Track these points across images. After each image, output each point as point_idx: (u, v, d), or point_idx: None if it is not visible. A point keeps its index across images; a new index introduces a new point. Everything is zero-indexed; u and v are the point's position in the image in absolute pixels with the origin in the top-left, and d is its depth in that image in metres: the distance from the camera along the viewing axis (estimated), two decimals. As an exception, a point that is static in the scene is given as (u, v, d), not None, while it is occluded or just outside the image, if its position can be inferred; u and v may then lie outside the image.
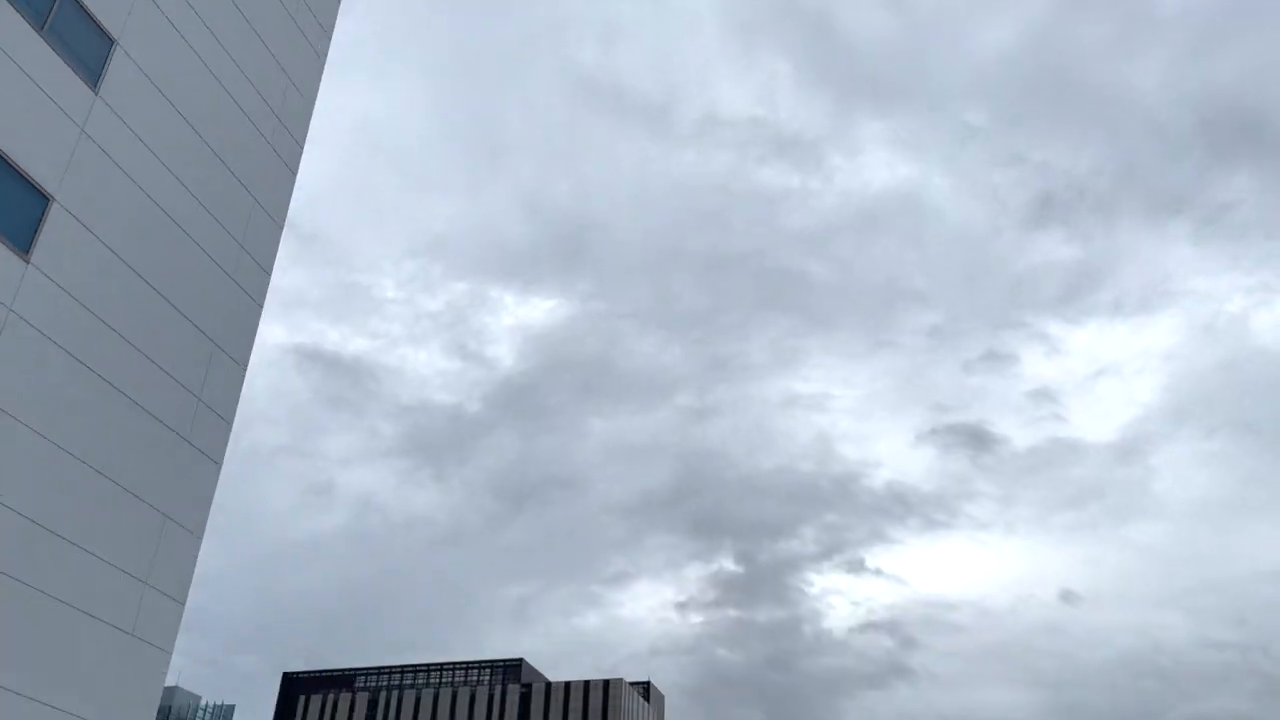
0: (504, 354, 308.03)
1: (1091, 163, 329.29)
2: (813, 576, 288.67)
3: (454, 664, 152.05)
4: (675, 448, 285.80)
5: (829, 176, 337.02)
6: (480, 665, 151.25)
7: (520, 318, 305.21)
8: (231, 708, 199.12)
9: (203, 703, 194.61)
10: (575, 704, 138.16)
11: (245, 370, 13.43)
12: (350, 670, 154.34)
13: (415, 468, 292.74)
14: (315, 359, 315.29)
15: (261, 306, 16.11)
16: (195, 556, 12.33)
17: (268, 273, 16.32)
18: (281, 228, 17.13)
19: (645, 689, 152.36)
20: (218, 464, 13.30)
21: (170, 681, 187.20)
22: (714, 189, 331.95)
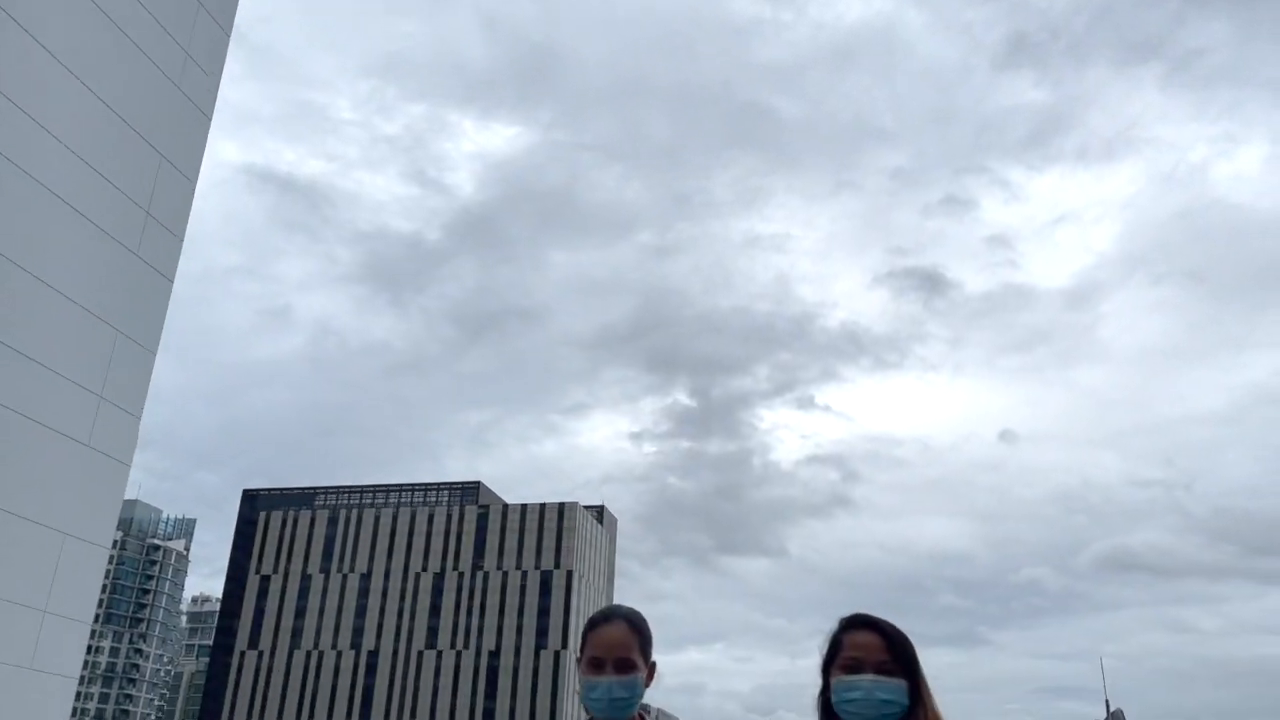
0: (463, 181, 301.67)
1: (1069, 1, 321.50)
2: (763, 412, 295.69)
3: (413, 485, 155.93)
4: (635, 284, 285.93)
5: (802, 8, 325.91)
6: (439, 487, 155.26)
7: (480, 145, 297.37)
8: (193, 522, 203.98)
9: (164, 516, 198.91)
10: (531, 525, 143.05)
11: (194, 184, 13.01)
12: (311, 489, 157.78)
13: (373, 294, 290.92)
14: (269, 180, 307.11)
15: (210, 118, 15.49)
16: (150, 371, 12.25)
17: (216, 79, 15.63)
18: (229, 34, 16.29)
19: (599, 513, 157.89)
20: (169, 280, 13.05)
21: (131, 495, 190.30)
22: (684, 15, 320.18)
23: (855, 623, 2.48)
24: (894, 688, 2.36)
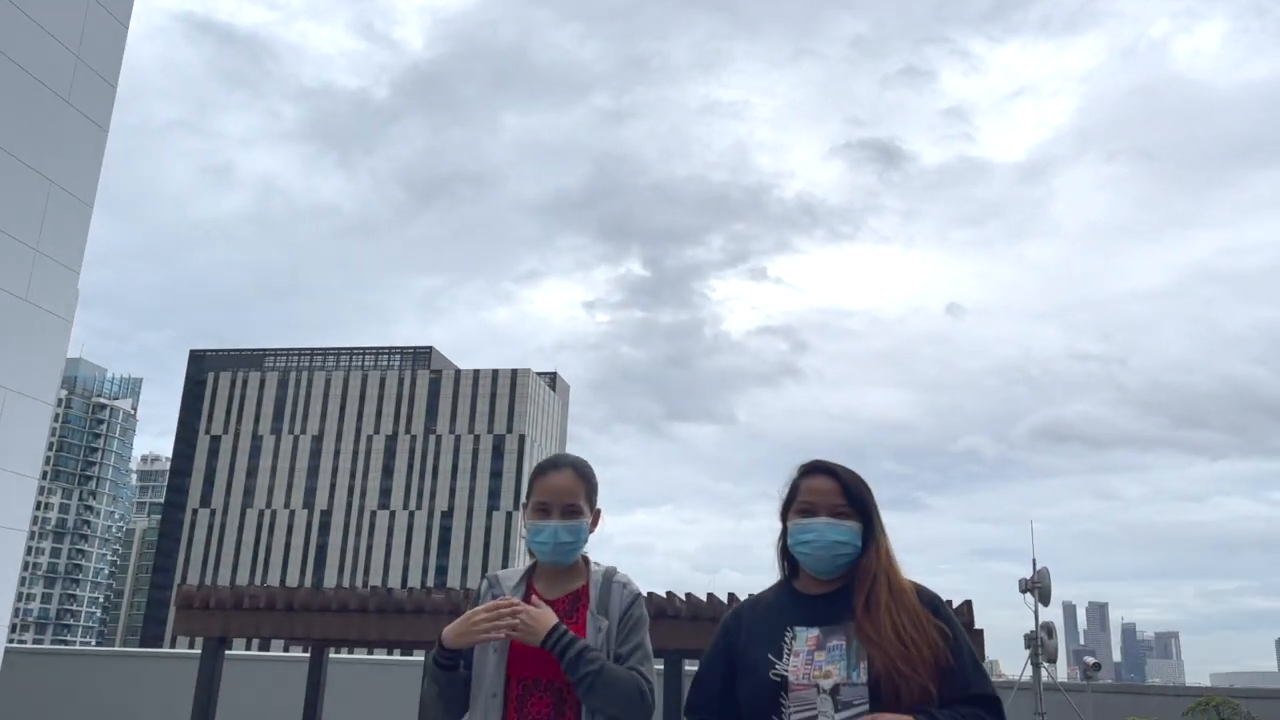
0: (413, 36, 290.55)
1: None
2: (716, 283, 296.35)
3: (364, 349, 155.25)
4: (589, 149, 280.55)
5: None
6: (390, 351, 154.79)
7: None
8: (139, 381, 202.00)
9: (109, 375, 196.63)
10: (484, 391, 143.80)
11: (126, 27, 12.33)
12: (260, 350, 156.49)
13: (319, 154, 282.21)
14: (207, 29, 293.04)
15: (143, -44, 14.64)
16: (87, 225, 11.88)
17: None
18: None
19: (552, 379, 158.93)
20: (104, 129, 12.49)
21: (74, 354, 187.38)
22: None
23: (812, 469, 2.52)
24: (847, 530, 2.40)
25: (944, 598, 2.53)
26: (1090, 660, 18.92)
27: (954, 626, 2.34)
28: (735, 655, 2.41)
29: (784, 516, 2.51)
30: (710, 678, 2.46)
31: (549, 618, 2.58)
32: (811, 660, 2.28)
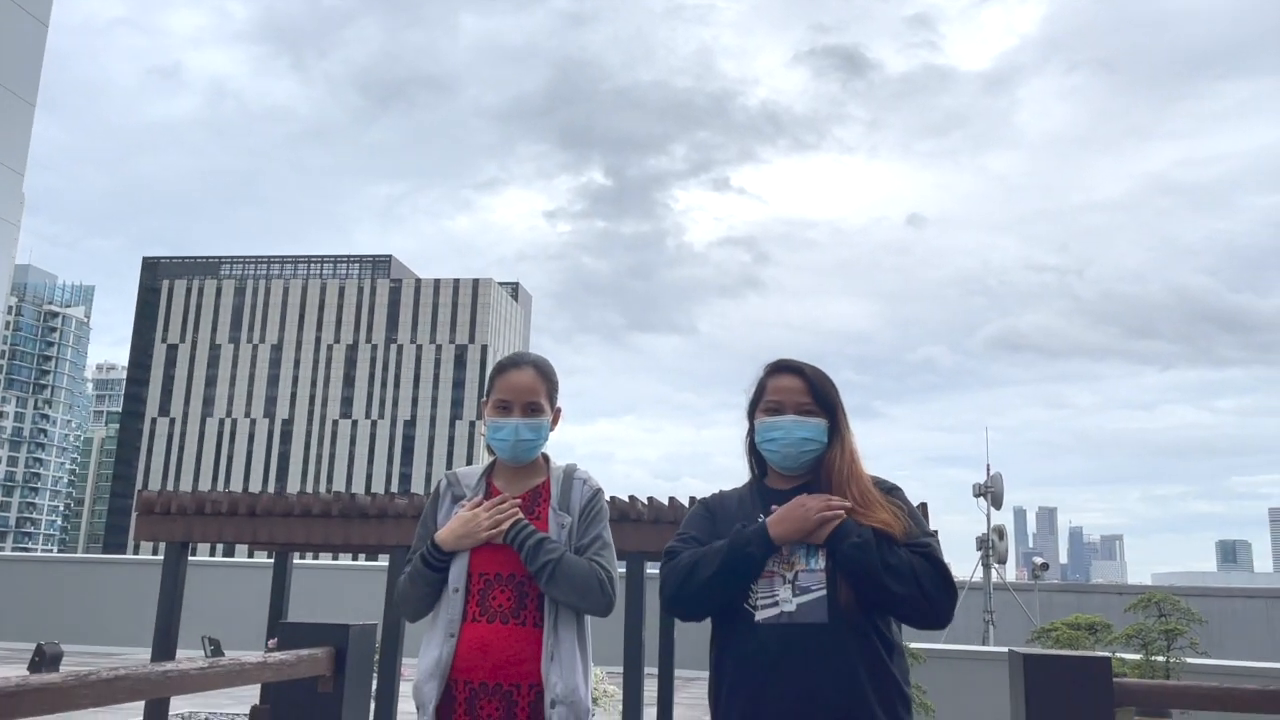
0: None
1: None
2: (679, 193, 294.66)
3: (322, 257, 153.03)
4: (551, 53, 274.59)
5: None
6: (349, 260, 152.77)
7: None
8: (91, 289, 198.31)
9: (60, 282, 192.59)
10: (445, 300, 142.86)
11: (64, -87, 11.78)
12: (215, 258, 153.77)
13: (272, 55, 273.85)
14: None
15: None
16: (30, 125, 11.48)
17: None
18: None
19: (514, 290, 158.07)
20: (43, 24, 12.00)
21: (21, 260, 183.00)
22: None
23: (779, 368, 2.56)
24: (813, 427, 2.47)
25: None
26: (1039, 561, 19.56)
27: (907, 505, 2.47)
28: (711, 527, 2.49)
29: (751, 415, 2.56)
30: (695, 528, 2.52)
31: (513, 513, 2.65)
32: (778, 552, 2.37)
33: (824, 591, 2.32)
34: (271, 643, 7.47)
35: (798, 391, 2.49)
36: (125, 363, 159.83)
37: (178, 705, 9.26)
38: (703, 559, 2.39)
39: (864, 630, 2.31)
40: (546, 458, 2.84)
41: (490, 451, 2.80)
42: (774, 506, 2.43)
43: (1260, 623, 16.12)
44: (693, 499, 7.47)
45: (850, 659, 2.27)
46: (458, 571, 2.64)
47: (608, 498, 2.80)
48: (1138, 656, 8.07)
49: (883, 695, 2.29)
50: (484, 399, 2.81)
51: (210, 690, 2.07)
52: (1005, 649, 3.18)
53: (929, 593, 2.31)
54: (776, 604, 2.33)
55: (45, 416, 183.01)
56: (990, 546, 17.58)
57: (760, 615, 2.33)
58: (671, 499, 7.20)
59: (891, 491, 2.49)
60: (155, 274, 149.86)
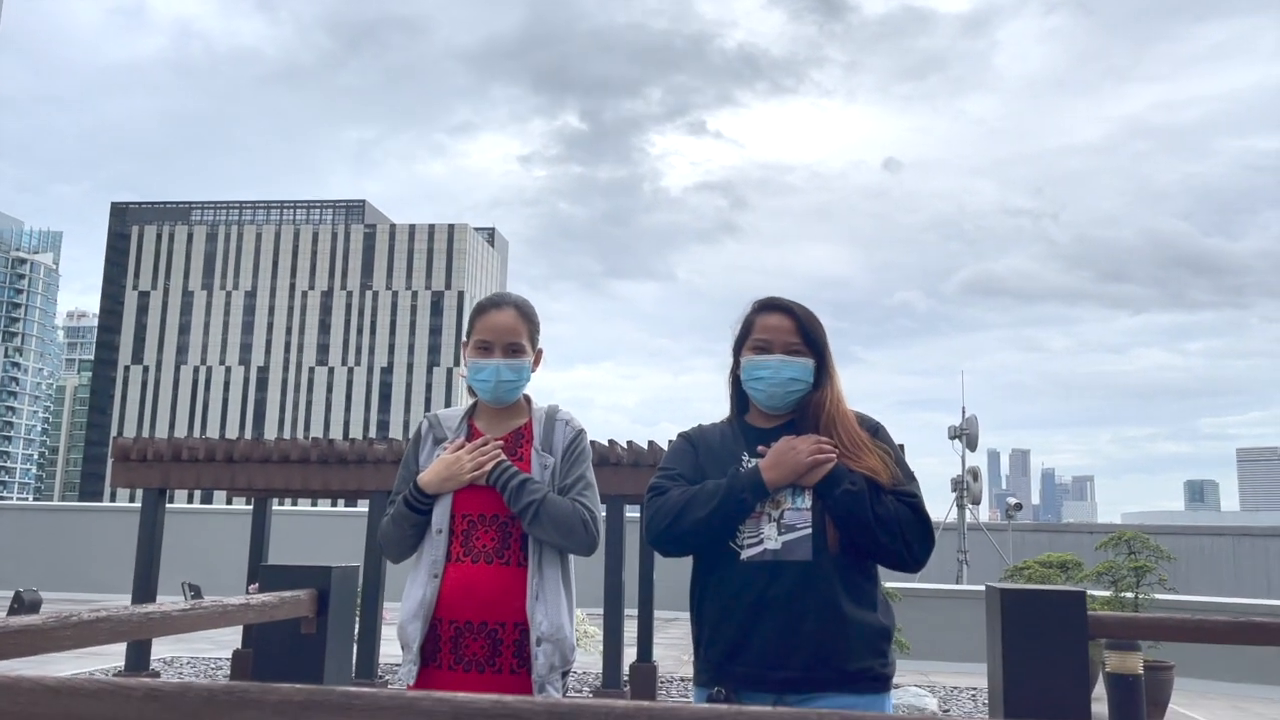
0: None
1: None
2: (655, 138, 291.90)
3: (295, 202, 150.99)
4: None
5: None
6: (322, 205, 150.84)
7: None
8: (59, 235, 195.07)
9: (26, 228, 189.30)
10: (420, 246, 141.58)
11: None
12: (186, 203, 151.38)
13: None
14: None
15: None
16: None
17: None
18: None
19: (490, 235, 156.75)
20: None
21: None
22: None
23: (767, 305, 2.54)
24: (800, 367, 2.46)
25: None
26: (1012, 501, 19.86)
27: (892, 447, 2.48)
28: (695, 470, 2.48)
29: (737, 352, 2.55)
30: (679, 464, 2.52)
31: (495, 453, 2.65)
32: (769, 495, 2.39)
33: (809, 530, 2.33)
34: (252, 587, 7.50)
35: (786, 331, 2.47)
36: (96, 310, 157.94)
37: (159, 650, 9.30)
38: (694, 500, 2.38)
39: (846, 568, 2.34)
40: (529, 399, 2.83)
41: (471, 393, 2.79)
42: (761, 448, 2.43)
43: (1226, 560, 16.49)
44: (671, 442, 7.49)
45: (835, 596, 2.30)
46: (441, 513, 2.65)
47: (589, 440, 2.80)
48: (1107, 593, 8.25)
49: (865, 630, 2.33)
50: (464, 340, 2.79)
51: (193, 632, 2.07)
52: (980, 587, 3.23)
53: (910, 544, 2.35)
54: (762, 542, 2.34)
55: (16, 365, 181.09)
56: (965, 488, 17.81)
57: (746, 554, 2.35)
58: (651, 442, 7.24)
59: (876, 432, 2.50)
60: (124, 220, 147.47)
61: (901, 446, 2.59)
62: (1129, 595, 8.05)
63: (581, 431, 2.77)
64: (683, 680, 8.68)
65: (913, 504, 2.38)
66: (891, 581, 9.93)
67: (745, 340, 2.52)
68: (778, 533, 2.34)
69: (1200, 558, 16.19)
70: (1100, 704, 6.48)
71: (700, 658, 2.42)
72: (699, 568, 2.46)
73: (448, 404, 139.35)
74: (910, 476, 2.48)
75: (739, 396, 2.58)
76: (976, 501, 18.01)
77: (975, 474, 18.37)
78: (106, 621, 1.67)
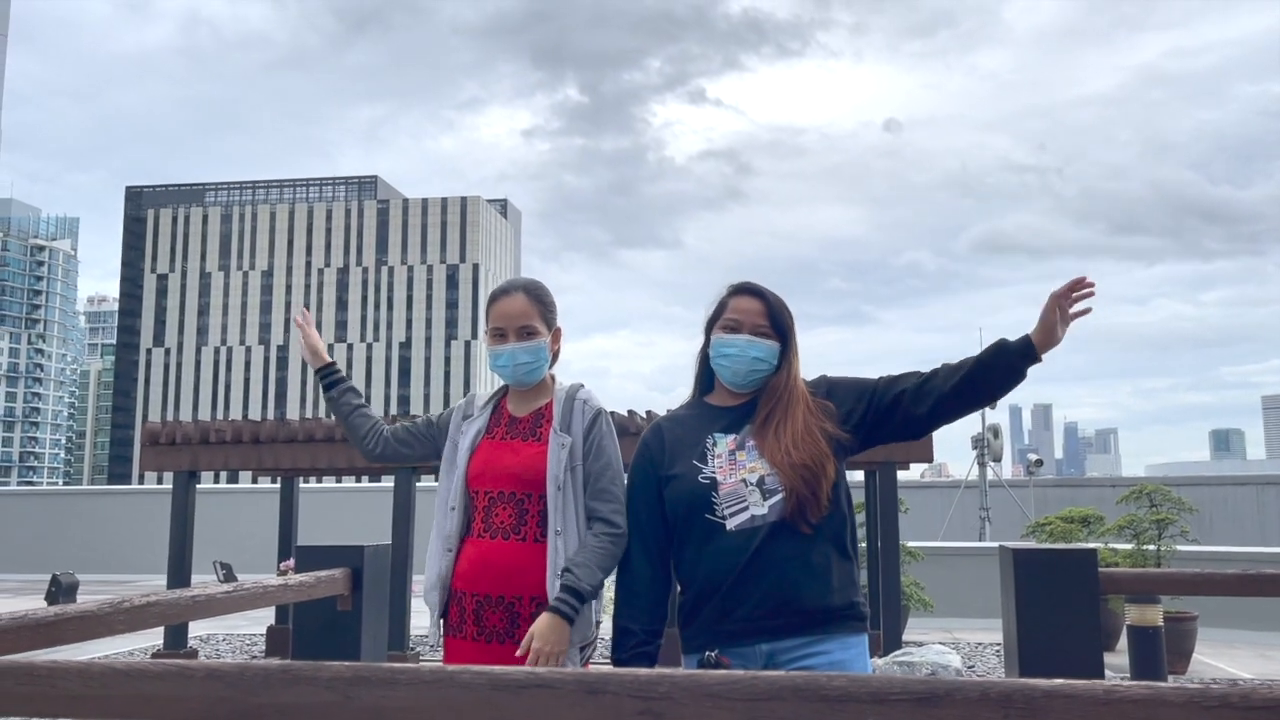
0: None
1: None
2: (656, 107, 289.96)
3: (307, 180, 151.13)
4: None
5: None
6: (334, 182, 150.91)
7: None
8: (76, 221, 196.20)
9: (44, 216, 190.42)
10: (434, 220, 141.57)
11: None
12: (199, 185, 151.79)
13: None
14: None
15: None
16: (3, 58, 11.28)
17: None
18: None
19: (502, 207, 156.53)
20: (8, -50, 11.68)
21: (3, 195, 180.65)
22: None
23: (741, 289, 2.66)
24: (766, 348, 2.57)
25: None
26: (1034, 457, 19.85)
27: (836, 385, 2.60)
28: (659, 469, 2.59)
29: (708, 330, 2.66)
30: (644, 505, 2.62)
31: (557, 624, 2.53)
32: (734, 460, 2.50)
33: (784, 492, 2.42)
34: (284, 564, 7.65)
35: (756, 313, 2.58)
36: (116, 295, 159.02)
37: (195, 628, 9.51)
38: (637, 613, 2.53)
39: (823, 529, 2.43)
40: (553, 378, 2.91)
41: (501, 378, 2.88)
42: (726, 438, 2.53)
43: (1250, 509, 16.47)
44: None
45: (823, 556, 2.41)
46: (456, 489, 2.75)
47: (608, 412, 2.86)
48: (1129, 546, 8.29)
49: (848, 591, 2.44)
50: (485, 330, 2.87)
51: (232, 613, 2.16)
52: (999, 544, 3.29)
53: (950, 373, 2.47)
54: (747, 508, 2.43)
55: (40, 351, 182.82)
56: (985, 445, 17.82)
57: (731, 524, 2.43)
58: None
59: (830, 391, 2.58)
60: (139, 203, 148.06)
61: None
62: (1150, 548, 8.09)
63: (600, 411, 2.82)
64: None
65: (903, 374, 2.54)
66: (914, 541, 10.00)
67: (717, 320, 2.63)
68: (762, 498, 2.43)
69: (1224, 508, 16.18)
70: (1123, 656, 6.55)
71: (689, 625, 2.49)
72: (681, 543, 2.53)
73: (466, 377, 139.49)
74: (868, 378, 2.61)
75: (706, 375, 2.69)
76: (998, 459, 18.03)
77: (996, 431, 18.35)
78: (156, 606, 1.76)
